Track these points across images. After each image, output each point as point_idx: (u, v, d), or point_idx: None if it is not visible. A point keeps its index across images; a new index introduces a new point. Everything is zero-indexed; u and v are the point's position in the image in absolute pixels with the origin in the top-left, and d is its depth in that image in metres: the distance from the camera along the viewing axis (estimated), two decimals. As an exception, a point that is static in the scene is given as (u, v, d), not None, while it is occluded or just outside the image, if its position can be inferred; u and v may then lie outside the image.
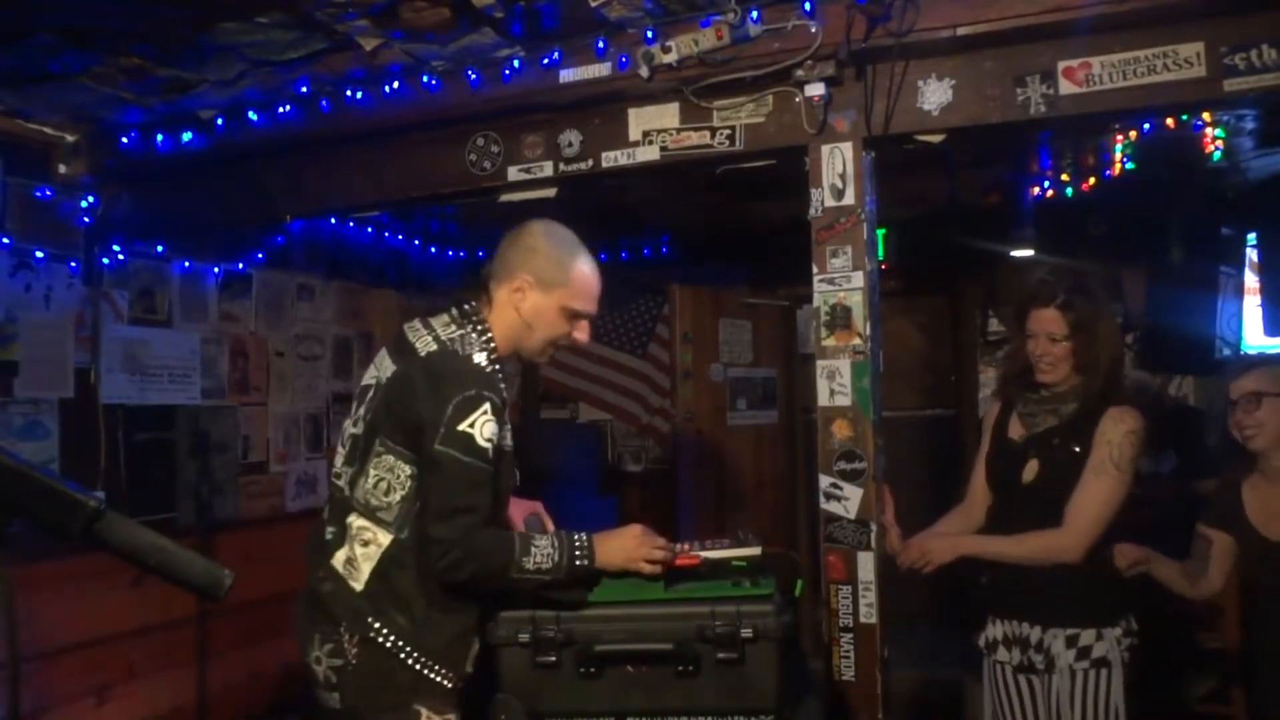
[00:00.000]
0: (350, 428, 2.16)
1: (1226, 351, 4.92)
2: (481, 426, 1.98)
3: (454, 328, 2.13)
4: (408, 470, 2.02)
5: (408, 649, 2.02)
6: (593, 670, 2.12)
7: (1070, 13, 2.46)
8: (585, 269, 2.22)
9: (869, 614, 2.66)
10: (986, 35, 2.56)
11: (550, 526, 2.36)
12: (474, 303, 2.18)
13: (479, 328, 2.13)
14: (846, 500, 2.69)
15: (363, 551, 2.04)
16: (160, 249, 3.99)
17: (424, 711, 2.03)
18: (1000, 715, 2.65)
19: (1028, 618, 2.55)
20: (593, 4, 2.67)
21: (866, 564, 2.67)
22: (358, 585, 2.04)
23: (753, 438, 5.85)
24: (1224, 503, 2.69)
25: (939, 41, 2.61)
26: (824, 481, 2.72)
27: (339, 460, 2.17)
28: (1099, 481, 2.47)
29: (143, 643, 3.79)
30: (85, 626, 3.56)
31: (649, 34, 2.77)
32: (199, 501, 4.10)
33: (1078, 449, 2.51)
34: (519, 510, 2.36)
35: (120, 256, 3.82)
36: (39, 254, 3.53)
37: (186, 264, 4.11)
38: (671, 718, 2.11)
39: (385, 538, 2.03)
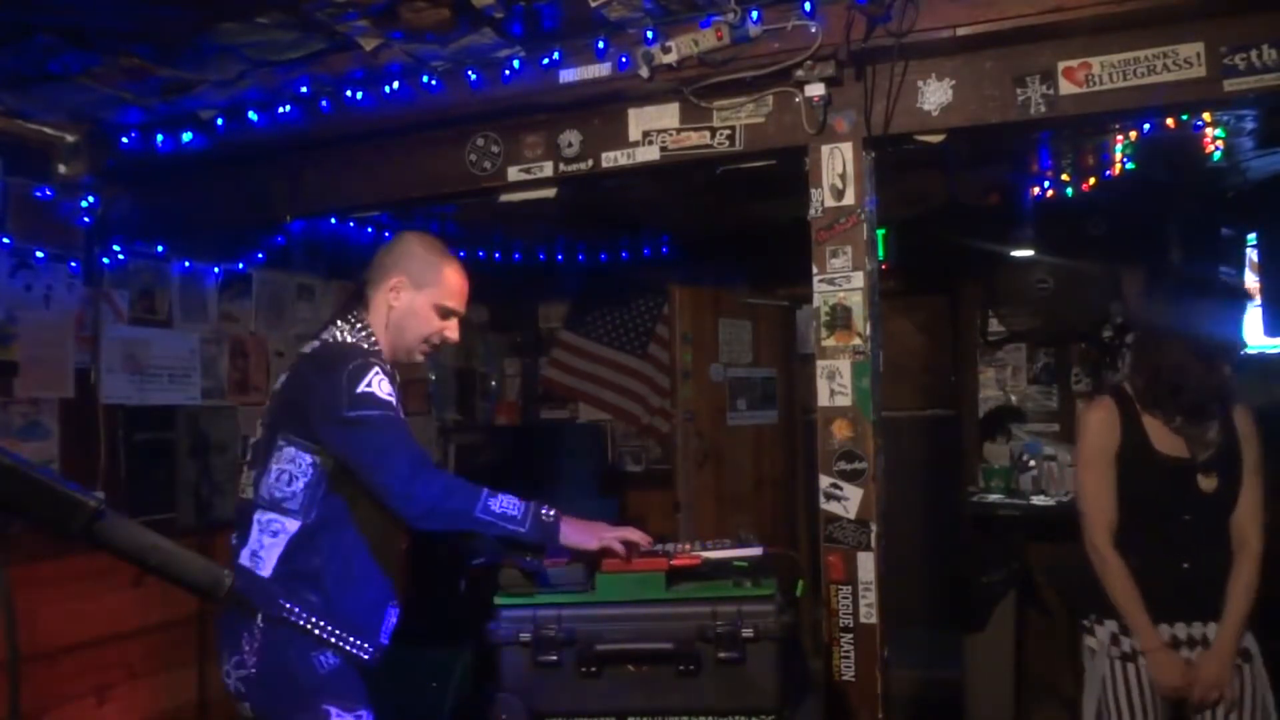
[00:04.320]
0: (251, 440, 2.30)
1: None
2: (378, 384, 2.09)
3: (336, 332, 2.27)
4: (309, 459, 2.13)
5: (321, 624, 2.09)
6: (593, 670, 2.12)
7: (1070, 13, 2.46)
8: (454, 270, 2.37)
9: (869, 614, 2.66)
10: (986, 35, 2.57)
11: None
12: (355, 310, 2.32)
13: (357, 327, 2.28)
14: (846, 500, 2.69)
15: (270, 541, 2.12)
16: (160, 249, 3.99)
17: (333, 711, 2.07)
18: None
19: (1212, 617, 2.50)
20: (593, 4, 2.67)
21: (866, 564, 2.67)
22: (265, 572, 2.11)
23: (753, 438, 5.85)
24: None
25: (939, 42, 2.61)
26: (824, 481, 2.72)
27: (243, 474, 2.27)
28: (1259, 481, 2.51)
29: (143, 643, 3.79)
30: (85, 626, 3.55)
31: (649, 34, 2.77)
32: (199, 501, 4.10)
33: (1236, 451, 2.52)
34: None
35: (120, 256, 3.81)
36: (39, 254, 3.52)
37: (186, 264, 4.11)
38: (672, 717, 2.11)
39: (293, 524, 2.12)
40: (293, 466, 2.13)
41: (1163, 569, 2.51)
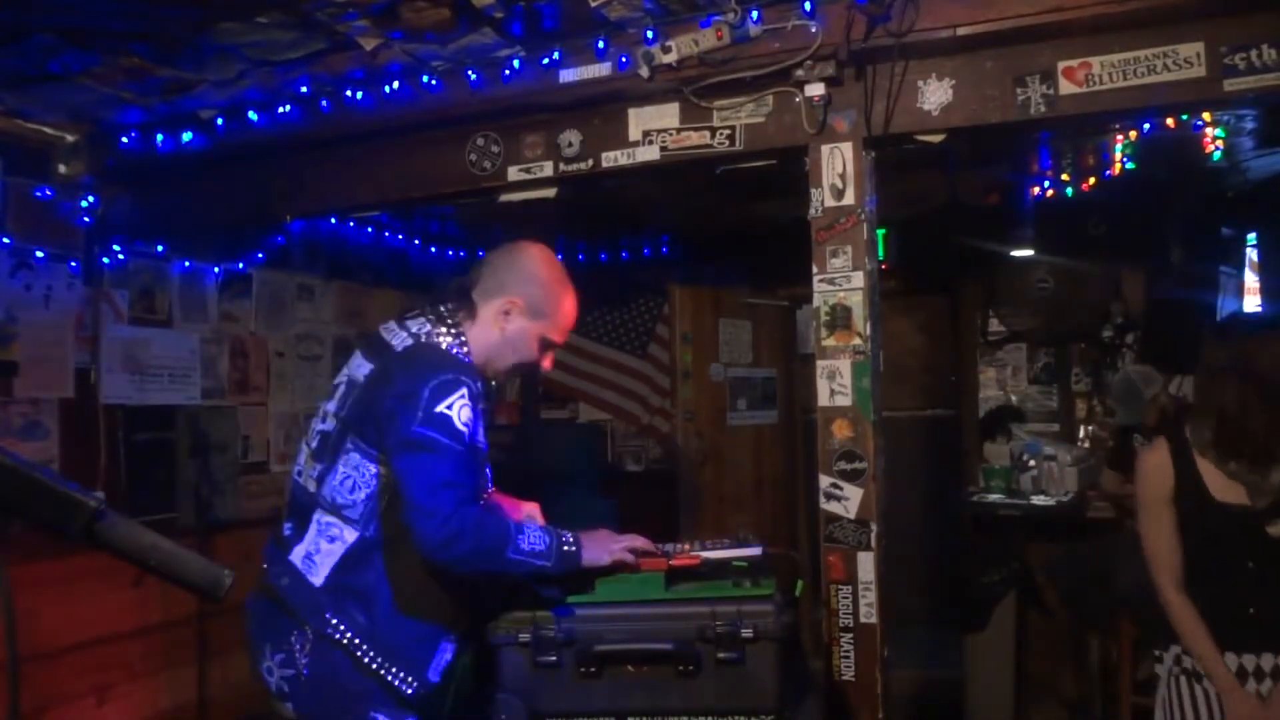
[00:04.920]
0: (320, 424, 2.15)
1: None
2: (459, 410, 1.96)
3: (429, 327, 2.13)
4: (373, 469, 2.01)
5: (365, 647, 1.99)
6: (593, 670, 2.12)
7: (1070, 13, 2.46)
8: (571, 304, 2.25)
9: (869, 614, 2.66)
10: (986, 35, 2.57)
11: None
12: (452, 307, 2.18)
13: (454, 332, 2.14)
14: (846, 500, 2.69)
15: (327, 547, 2.03)
16: (160, 249, 3.99)
17: (380, 716, 2.01)
18: None
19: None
20: (593, 4, 2.67)
21: (866, 564, 2.67)
22: (317, 580, 2.02)
23: (753, 438, 5.85)
24: None
25: (939, 41, 2.61)
26: (824, 481, 2.72)
27: (303, 457, 2.16)
28: None
29: (143, 643, 3.79)
30: (85, 626, 3.55)
31: (649, 34, 2.77)
32: (199, 501, 4.10)
33: None
34: (514, 512, 2.37)
35: (120, 256, 3.81)
36: (39, 254, 3.53)
37: (186, 264, 4.11)
38: (672, 718, 2.11)
39: (351, 534, 2.02)
40: (357, 474, 2.02)
41: (1228, 612, 2.43)
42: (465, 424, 1.97)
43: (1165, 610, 2.49)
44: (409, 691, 2.04)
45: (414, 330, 2.12)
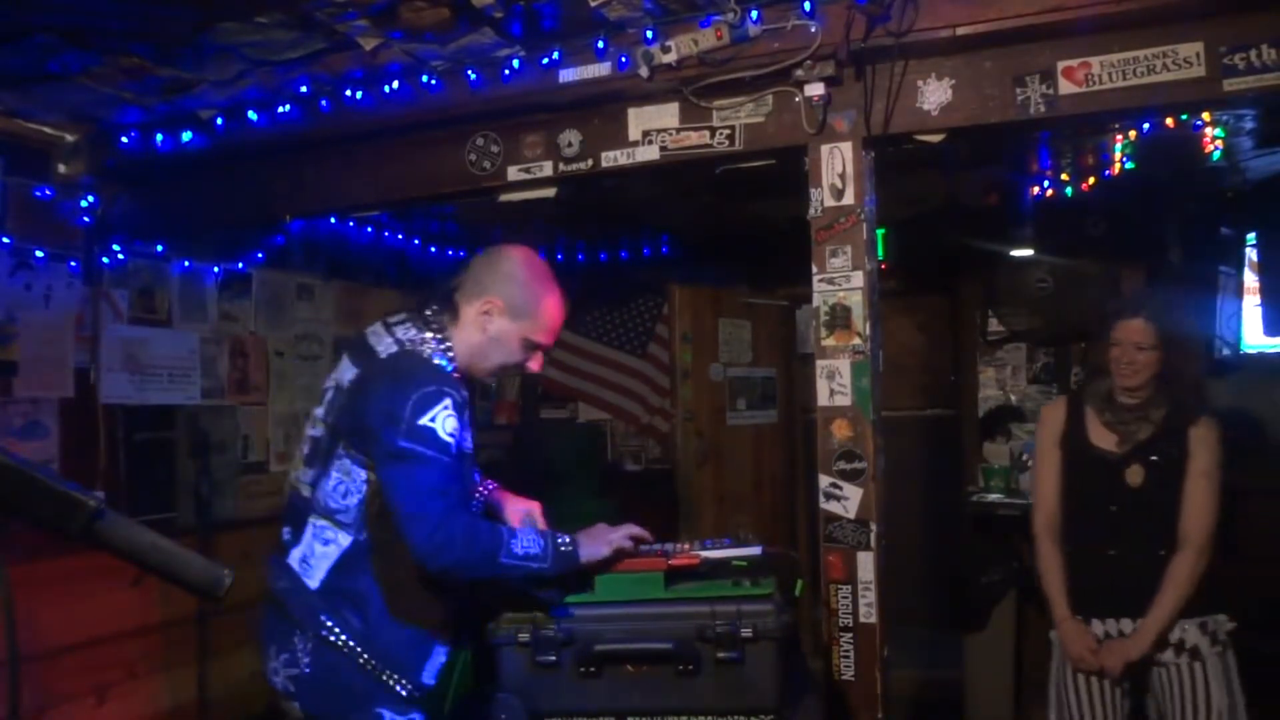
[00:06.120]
0: (310, 430, 2.18)
1: (1226, 351, 4.92)
2: (443, 421, 1.98)
3: (414, 331, 2.14)
4: (363, 475, 2.04)
5: (359, 650, 2.02)
6: (593, 670, 2.12)
7: (1070, 13, 2.46)
8: (554, 305, 2.23)
9: (869, 614, 2.66)
10: (986, 35, 2.57)
11: (544, 527, 2.36)
12: (436, 309, 2.18)
13: (439, 336, 2.15)
14: (846, 500, 2.69)
15: (321, 550, 2.05)
16: (160, 249, 3.99)
17: (385, 713, 2.03)
18: (1086, 713, 2.71)
19: (1139, 615, 2.62)
20: (592, 4, 2.67)
21: (866, 564, 2.67)
22: (313, 583, 2.04)
23: (752, 438, 5.85)
24: None
25: (939, 41, 2.61)
26: (824, 481, 2.72)
27: (299, 463, 2.19)
28: (1210, 486, 2.62)
29: (143, 643, 3.79)
30: (85, 626, 3.55)
31: (649, 34, 2.77)
32: (199, 501, 4.09)
33: (1178, 455, 2.63)
34: (515, 509, 2.37)
35: (120, 256, 3.81)
36: (39, 254, 3.52)
37: (186, 264, 4.11)
38: (671, 717, 2.12)
39: (345, 539, 2.04)
40: (349, 481, 2.04)
41: (1090, 557, 2.69)
42: (450, 434, 1.99)
43: (1033, 550, 2.80)
44: (403, 693, 2.05)
45: (399, 336, 2.13)
